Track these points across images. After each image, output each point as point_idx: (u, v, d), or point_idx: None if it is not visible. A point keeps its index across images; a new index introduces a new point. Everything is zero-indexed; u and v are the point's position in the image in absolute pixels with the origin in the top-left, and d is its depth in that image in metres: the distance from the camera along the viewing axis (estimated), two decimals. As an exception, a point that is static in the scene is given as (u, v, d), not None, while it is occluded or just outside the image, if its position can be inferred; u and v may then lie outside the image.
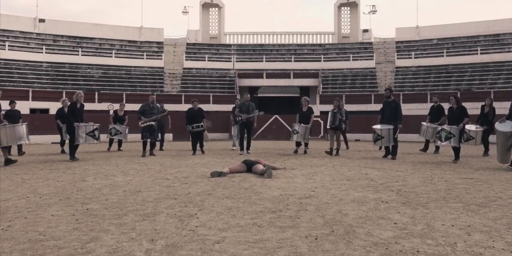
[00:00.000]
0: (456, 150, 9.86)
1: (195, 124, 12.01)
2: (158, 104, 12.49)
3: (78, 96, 10.41)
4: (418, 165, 9.00)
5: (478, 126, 11.75)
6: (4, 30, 28.44)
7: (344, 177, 7.01)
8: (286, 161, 9.96)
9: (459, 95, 23.63)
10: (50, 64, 28.45)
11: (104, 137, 12.79)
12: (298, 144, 12.30)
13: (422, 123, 12.31)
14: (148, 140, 11.48)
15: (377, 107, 14.40)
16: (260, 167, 7.30)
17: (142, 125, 11.36)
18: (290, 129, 14.55)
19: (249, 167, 7.54)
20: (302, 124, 11.91)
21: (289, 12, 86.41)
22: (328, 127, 12.03)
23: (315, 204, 4.73)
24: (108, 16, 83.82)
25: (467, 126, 11.06)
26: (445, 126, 10.01)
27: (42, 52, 28.59)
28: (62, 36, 30.55)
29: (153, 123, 11.46)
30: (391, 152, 10.80)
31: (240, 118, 12.05)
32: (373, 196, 5.25)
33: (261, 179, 6.72)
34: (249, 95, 12.75)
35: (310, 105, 12.52)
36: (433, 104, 12.92)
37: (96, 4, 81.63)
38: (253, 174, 7.31)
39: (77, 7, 79.49)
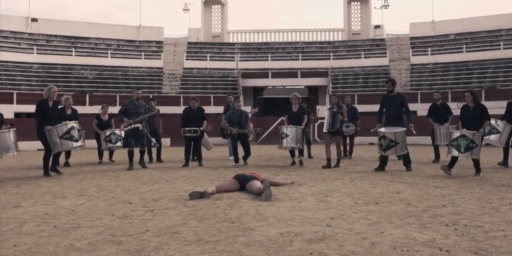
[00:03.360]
0: (476, 163, 7.52)
1: (190, 128, 9.61)
2: (151, 103, 10.65)
3: (50, 91, 7.92)
4: (458, 179, 7.08)
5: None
6: (-6, 30, 27.02)
7: (369, 198, 5.19)
8: (292, 172, 8.16)
9: (483, 93, 21.69)
10: (41, 65, 27.01)
11: (91, 141, 10.73)
12: (292, 153, 9.61)
13: (434, 127, 10.13)
14: (135, 148, 9.16)
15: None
16: (256, 184, 5.50)
17: (125, 129, 9.06)
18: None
19: (242, 184, 5.75)
20: (291, 125, 9.13)
21: (296, 8, 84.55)
22: (324, 131, 9.24)
23: (334, 254, 2.96)
24: (107, 16, 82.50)
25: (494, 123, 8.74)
26: (466, 132, 7.42)
27: (33, 53, 27.11)
28: (55, 36, 29.13)
29: (139, 125, 9.04)
30: (405, 161, 8.43)
31: (229, 132, 9.65)
32: (421, 236, 3.45)
33: (257, 202, 4.94)
34: (241, 103, 10.25)
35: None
36: (434, 102, 10.46)
37: (95, 4, 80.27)
38: (248, 193, 5.53)
39: (77, 9, 78.34)
